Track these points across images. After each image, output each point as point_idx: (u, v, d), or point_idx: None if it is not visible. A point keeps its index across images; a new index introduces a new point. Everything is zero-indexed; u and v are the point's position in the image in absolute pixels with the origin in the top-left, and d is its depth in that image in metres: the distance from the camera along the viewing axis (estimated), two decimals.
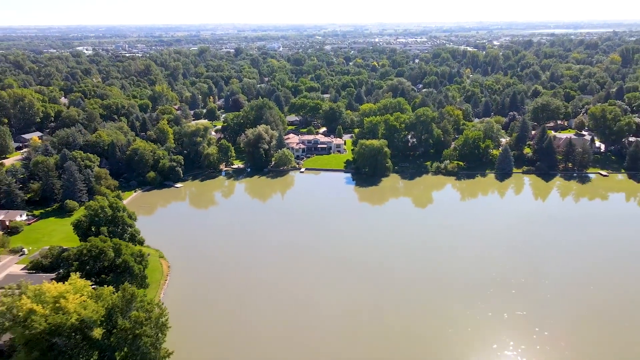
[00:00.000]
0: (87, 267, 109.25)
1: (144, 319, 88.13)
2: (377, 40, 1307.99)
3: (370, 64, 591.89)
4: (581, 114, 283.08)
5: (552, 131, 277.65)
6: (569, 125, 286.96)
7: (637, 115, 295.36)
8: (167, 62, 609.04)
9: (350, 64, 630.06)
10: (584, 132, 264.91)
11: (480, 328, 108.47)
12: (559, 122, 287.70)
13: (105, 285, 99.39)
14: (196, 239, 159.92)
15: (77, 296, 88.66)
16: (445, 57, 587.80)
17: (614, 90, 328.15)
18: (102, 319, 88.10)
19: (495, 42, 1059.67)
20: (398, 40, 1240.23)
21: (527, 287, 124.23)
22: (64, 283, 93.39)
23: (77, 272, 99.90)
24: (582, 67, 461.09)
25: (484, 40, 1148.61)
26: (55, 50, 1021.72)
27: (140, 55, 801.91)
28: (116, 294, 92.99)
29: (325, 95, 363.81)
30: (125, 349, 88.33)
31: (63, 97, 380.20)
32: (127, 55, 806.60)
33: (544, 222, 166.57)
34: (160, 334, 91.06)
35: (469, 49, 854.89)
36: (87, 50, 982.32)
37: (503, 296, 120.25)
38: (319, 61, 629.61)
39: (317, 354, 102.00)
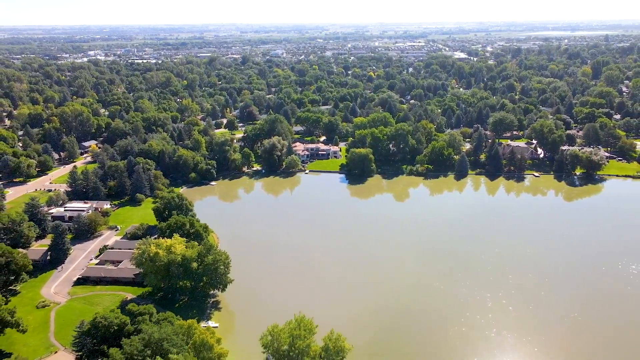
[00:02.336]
0: (174, 233, 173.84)
1: (218, 259, 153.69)
2: (376, 44, 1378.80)
3: (367, 74, 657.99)
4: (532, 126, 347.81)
5: (509, 140, 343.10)
6: (524, 135, 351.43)
7: (580, 126, 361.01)
8: (183, 72, 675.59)
9: (349, 72, 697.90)
10: (533, 141, 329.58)
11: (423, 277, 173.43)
12: (514, 132, 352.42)
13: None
14: (233, 220, 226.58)
15: (180, 246, 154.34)
16: (435, 69, 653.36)
17: (565, 105, 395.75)
18: (195, 258, 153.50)
19: (488, 48, 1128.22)
20: (397, 44, 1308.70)
21: (458, 248, 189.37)
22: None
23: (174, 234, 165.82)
24: (551, 80, 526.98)
25: (479, 45, 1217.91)
26: (68, 55, 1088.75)
27: (153, 61, 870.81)
28: (200, 245, 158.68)
29: (325, 107, 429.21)
30: (207, 277, 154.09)
31: (102, 108, 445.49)
32: (139, 61, 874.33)
33: (485, 208, 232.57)
34: (226, 269, 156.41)
35: (461, 55, 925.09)
36: (99, 56, 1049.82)
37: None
38: (320, 70, 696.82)
39: (316, 283, 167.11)
